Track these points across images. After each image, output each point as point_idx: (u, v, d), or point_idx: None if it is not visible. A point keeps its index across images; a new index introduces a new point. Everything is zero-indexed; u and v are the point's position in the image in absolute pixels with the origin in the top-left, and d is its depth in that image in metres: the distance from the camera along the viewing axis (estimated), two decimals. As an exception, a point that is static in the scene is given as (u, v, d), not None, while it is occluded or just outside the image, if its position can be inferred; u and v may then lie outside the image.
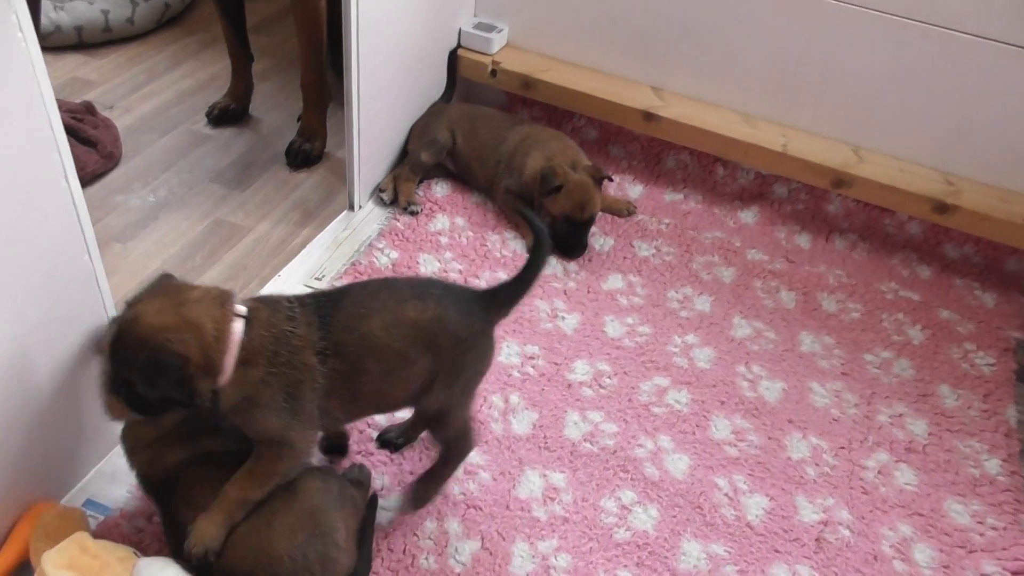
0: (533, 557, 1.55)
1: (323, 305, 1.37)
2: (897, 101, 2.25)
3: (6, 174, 1.21)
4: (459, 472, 1.66)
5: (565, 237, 2.20)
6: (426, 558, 1.52)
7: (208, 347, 1.25)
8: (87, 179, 2.29)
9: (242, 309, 1.31)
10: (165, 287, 1.32)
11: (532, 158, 2.26)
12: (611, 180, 2.28)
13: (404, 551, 1.52)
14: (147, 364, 1.22)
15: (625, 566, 1.55)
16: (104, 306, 1.49)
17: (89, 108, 2.45)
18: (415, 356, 1.37)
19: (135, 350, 1.23)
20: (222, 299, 1.30)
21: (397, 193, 2.32)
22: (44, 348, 1.39)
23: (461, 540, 1.56)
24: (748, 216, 2.42)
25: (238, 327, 1.28)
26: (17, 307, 1.31)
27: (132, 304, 1.29)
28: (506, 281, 1.46)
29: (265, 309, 1.34)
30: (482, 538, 1.57)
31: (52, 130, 1.24)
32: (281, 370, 1.30)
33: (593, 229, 2.30)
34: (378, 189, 2.35)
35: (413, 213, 2.27)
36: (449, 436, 1.52)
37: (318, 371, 1.32)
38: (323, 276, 2.10)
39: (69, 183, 1.29)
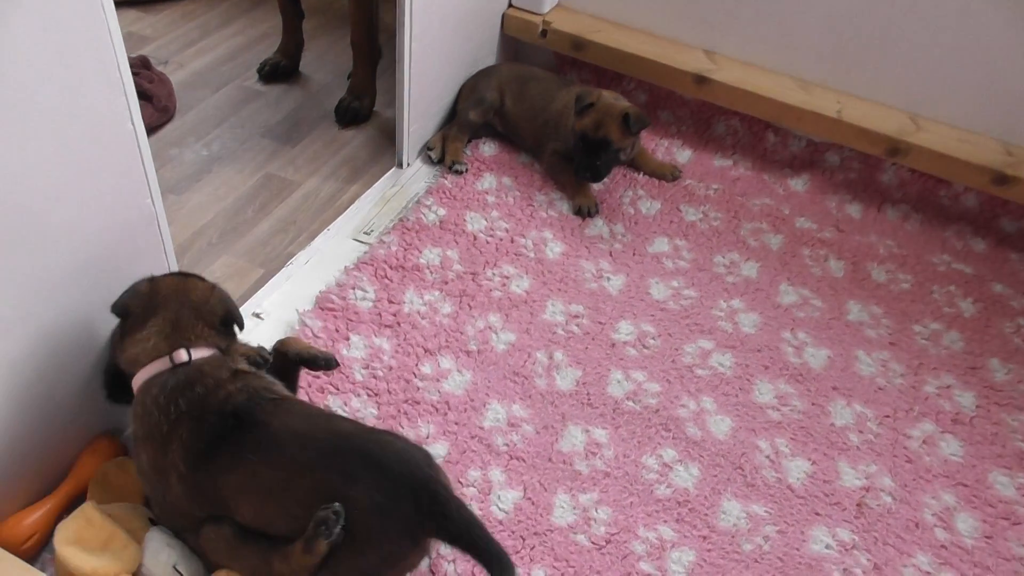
0: (574, 509, 1.57)
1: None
2: (958, 67, 2.19)
3: (76, 114, 1.25)
4: (503, 424, 1.68)
5: (579, 157, 2.19)
6: (470, 504, 1.54)
7: None
8: (143, 132, 2.34)
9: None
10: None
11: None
12: (646, 125, 2.20)
13: (448, 498, 1.55)
14: None
15: (665, 521, 1.56)
16: (164, 250, 1.53)
17: (144, 63, 2.49)
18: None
19: None
20: None
21: (444, 152, 2.33)
22: (106, 286, 1.43)
23: (504, 489, 1.58)
24: (798, 184, 2.39)
25: None
26: (83, 246, 1.36)
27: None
28: (459, 528, 1.30)
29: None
30: (524, 488, 1.59)
31: (120, 73, 1.27)
32: None
33: (640, 192, 2.29)
34: (426, 147, 2.36)
35: (458, 172, 2.28)
36: None
37: None
38: (372, 231, 2.12)
39: (135, 126, 1.33)
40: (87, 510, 1.34)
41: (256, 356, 1.46)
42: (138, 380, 1.33)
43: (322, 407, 1.46)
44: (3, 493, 1.40)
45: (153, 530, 1.35)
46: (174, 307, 1.36)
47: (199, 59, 2.74)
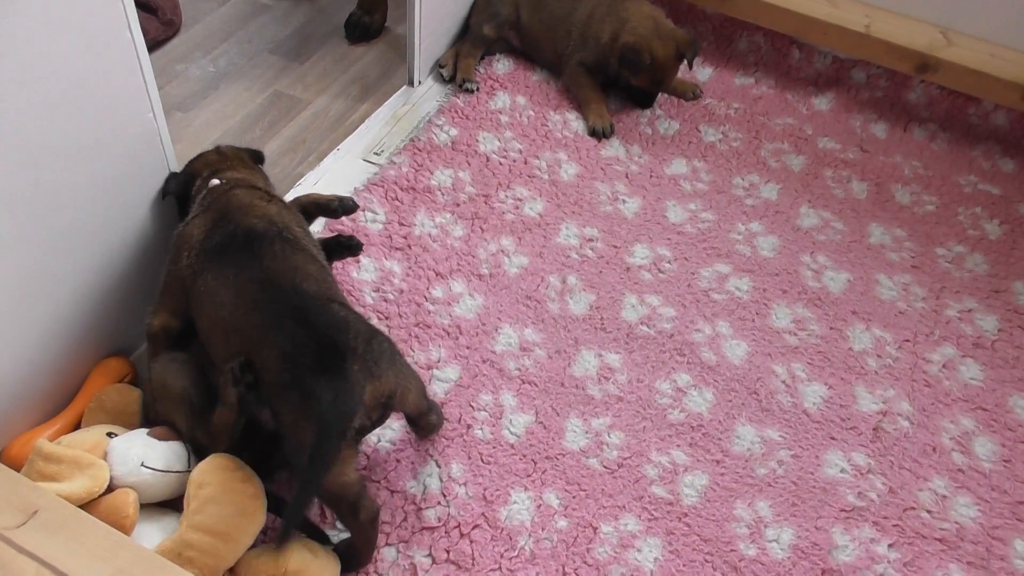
0: (587, 433, 1.56)
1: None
2: (994, -22, 2.09)
3: (70, 23, 1.20)
4: (515, 348, 1.67)
5: (638, 97, 2.23)
6: (480, 428, 1.54)
7: None
8: (148, 46, 2.25)
9: None
10: None
11: (608, 22, 2.18)
12: (693, 60, 2.17)
13: (459, 420, 1.55)
14: None
15: (678, 446, 1.55)
16: (168, 167, 1.49)
17: (149, -27, 2.41)
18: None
19: None
20: None
21: (456, 69, 2.26)
22: (110, 204, 1.40)
23: (515, 413, 1.57)
24: (822, 103, 2.31)
25: None
26: (83, 162, 1.32)
27: None
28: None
29: None
30: (536, 412, 1.58)
31: (115, -21, 1.22)
32: None
33: (658, 112, 2.23)
34: (438, 64, 2.29)
35: (469, 91, 2.22)
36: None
37: None
38: (382, 151, 2.07)
39: (133, 35, 1.28)
40: (38, 447, 1.29)
41: (328, 202, 1.65)
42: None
43: (321, 267, 1.45)
44: (12, 413, 1.40)
45: (113, 441, 1.33)
46: (212, 160, 1.59)
47: (205, -29, 2.65)
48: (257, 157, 1.66)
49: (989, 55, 2.13)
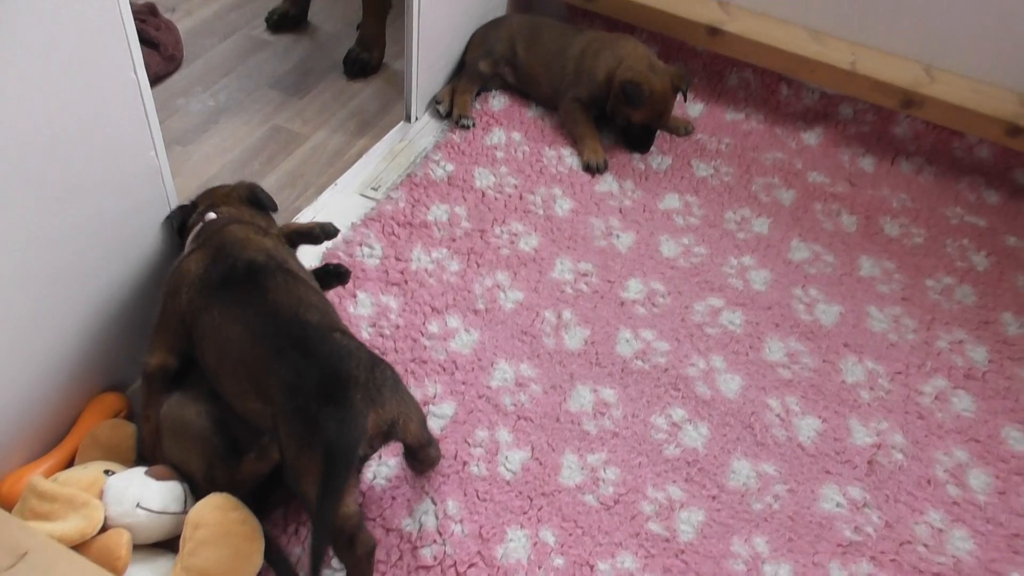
0: (582, 469, 1.57)
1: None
2: (973, 17, 2.14)
3: (77, 63, 1.22)
4: (511, 383, 1.68)
5: (637, 138, 2.23)
6: (476, 464, 1.55)
7: None
8: (149, 80, 2.28)
9: None
10: None
11: (603, 60, 2.22)
12: (687, 93, 2.26)
13: (455, 457, 1.55)
14: None
15: (674, 481, 1.56)
16: (168, 203, 1.51)
17: (152, 9, 2.45)
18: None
19: None
20: None
21: (452, 105, 2.29)
22: (109, 240, 1.42)
23: (511, 449, 1.58)
24: (811, 137, 2.35)
25: None
26: (84, 199, 1.34)
27: None
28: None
29: None
30: (532, 448, 1.59)
31: (123, 20, 1.24)
32: None
33: (651, 148, 2.26)
34: (434, 100, 2.32)
35: (465, 127, 2.24)
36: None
37: None
38: (379, 187, 2.09)
39: (138, 76, 1.30)
40: (33, 484, 1.29)
41: (310, 230, 1.67)
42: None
43: (322, 297, 1.48)
44: (5, 450, 1.39)
45: (109, 479, 1.33)
46: (210, 197, 1.61)
47: (207, 7, 2.69)
48: (259, 203, 1.64)
49: (971, 91, 2.18)
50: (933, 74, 2.22)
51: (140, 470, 1.36)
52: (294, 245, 1.65)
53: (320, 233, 1.67)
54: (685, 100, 2.26)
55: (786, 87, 2.44)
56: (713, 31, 2.33)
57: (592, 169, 2.17)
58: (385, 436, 1.29)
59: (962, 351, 1.84)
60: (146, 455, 1.44)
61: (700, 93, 2.46)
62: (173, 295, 1.42)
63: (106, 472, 1.36)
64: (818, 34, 2.32)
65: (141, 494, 1.30)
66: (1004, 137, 2.15)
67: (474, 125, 2.25)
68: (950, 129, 2.27)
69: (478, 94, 2.35)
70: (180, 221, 1.56)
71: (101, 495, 1.31)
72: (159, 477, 1.34)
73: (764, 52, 2.30)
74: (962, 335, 1.87)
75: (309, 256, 1.79)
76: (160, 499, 1.31)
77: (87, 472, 1.36)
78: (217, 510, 1.28)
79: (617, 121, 2.24)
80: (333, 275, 1.76)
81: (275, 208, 1.65)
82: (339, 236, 1.91)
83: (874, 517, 1.54)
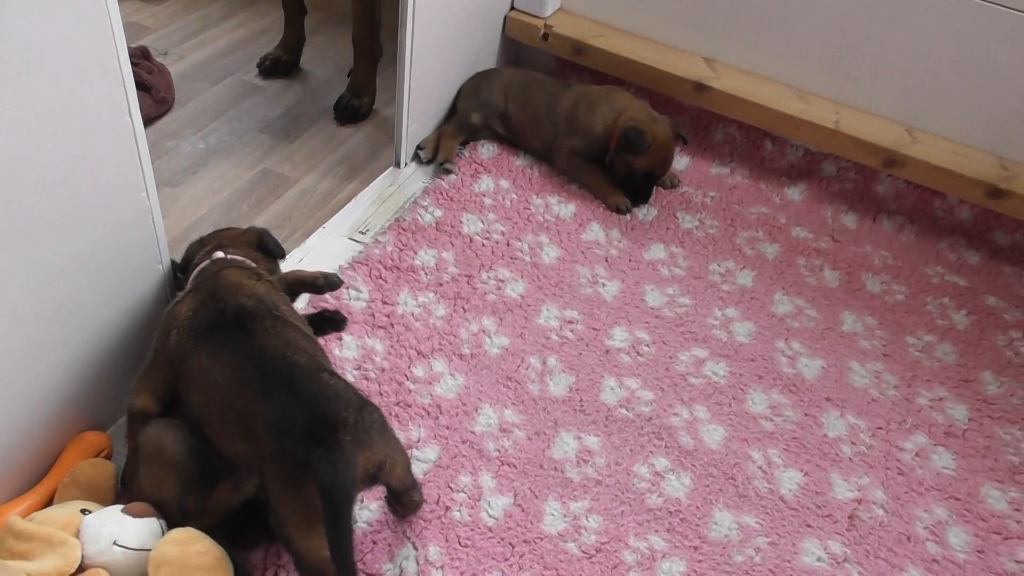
0: (565, 516, 1.56)
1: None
2: (955, 81, 2.20)
3: (74, 105, 1.23)
4: (495, 429, 1.68)
5: (639, 187, 2.26)
6: (459, 510, 1.54)
7: None
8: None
9: None
10: None
11: (599, 112, 2.27)
12: (685, 142, 2.35)
13: (438, 502, 1.55)
14: None
15: (656, 531, 1.56)
16: (158, 243, 1.52)
17: (144, 53, 2.48)
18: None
19: None
20: None
21: (437, 150, 2.31)
22: (96, 280, 1.42)
23: (494, 495, 1.57)
24: (795, 193, 2.39)
25: None
26: (74, 239, 1.34)
27: None
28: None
29: None
30: (515, 495, 1.58)
31: (119, 65, 1.26)
32: None
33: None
34: (418, 147, 2.34)
35: (447, 171, 2.27)
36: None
37: None
38: (367, 230, 2.11)
39: (132, 119, 1.31)
40: (9, 523, 1.27)
41: (313, 279, 1.66)
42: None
43: (311, 340, 1.47)
44: (-15, 488, 1.38)
45: (86, 518, 1.32)
46: (218, 238, 1.63)
47: (199, 51, 2.73)
48: (267, 249, 1.65)
49: (952, 153, 2.22)
50: (915, 135, 2.27)
51: (117, 508, 1.34)
52: (295, 293, 1.66)
53: (324, 284, 1.67)
54: (684, 146, 2.31)
55: (771, 143, 2.49)
56: (700, 87, 2.38)
57: (621, 210, 2.24)
58: (371, 479, 1.29)
59: (942, 408, 1.86)
60: (129, 488, 1.43)
61: (686, 147, 2.50)
62: (164, 336, 1.42)
63: (83, 511, 1.34)
64: (803, 93, 2.38)
65: (118, 532, 1.29)
66: (984, 199, 2.19)
67: (457, 170, 2.28)
68: (931, 190, 2.31)
69: (466, 143, 2.38)
70: (186, 256, 1.58)
71: (78, 534, 1.29)
72: (136, 514, 1.33)
73: (750, 109, 2.35)
74: (942, 392, 1.89)
75: (299, 300, 1.79)
76: (138, 536, 1.30)
77: (64, 511, 1.35)
78: (177, 545, 1.27)
79: (618, 171, 2.26)
80: (329, 321, 1.77)
81: (283, 255, 1.67)
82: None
83: (854, 572, 1.54)
